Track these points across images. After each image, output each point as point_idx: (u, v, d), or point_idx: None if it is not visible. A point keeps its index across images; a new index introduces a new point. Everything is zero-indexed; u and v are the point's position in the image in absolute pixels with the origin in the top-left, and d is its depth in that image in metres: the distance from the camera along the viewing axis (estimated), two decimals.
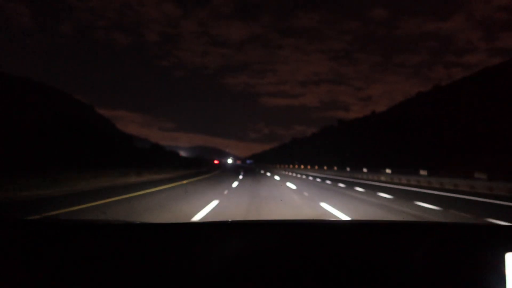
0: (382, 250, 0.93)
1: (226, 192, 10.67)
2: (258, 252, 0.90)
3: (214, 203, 7.25)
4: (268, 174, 30.72)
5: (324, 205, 7.67)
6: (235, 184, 14.83)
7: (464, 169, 25.06)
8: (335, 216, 5.99)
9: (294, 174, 32.72)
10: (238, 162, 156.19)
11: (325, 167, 46.90)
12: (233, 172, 33.67)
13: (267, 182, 17.57)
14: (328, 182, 19.75)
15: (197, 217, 5.46)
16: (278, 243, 0.95)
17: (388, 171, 26.05)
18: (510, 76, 45.28)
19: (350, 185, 16.99)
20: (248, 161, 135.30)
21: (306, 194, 11.04)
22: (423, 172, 21.24)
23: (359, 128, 79.38)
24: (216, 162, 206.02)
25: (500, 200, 10.33)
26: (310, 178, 24.78)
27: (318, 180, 21.81)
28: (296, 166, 64.84)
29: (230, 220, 1.14)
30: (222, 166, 66.52)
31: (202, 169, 42.16)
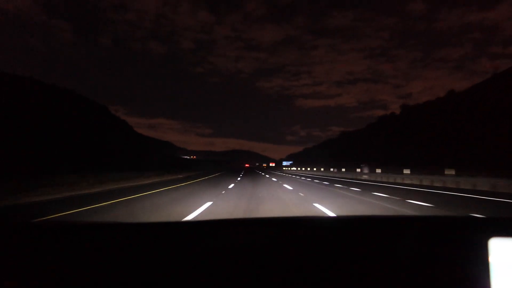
0: (365, 243, 0.98)
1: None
2: (250, 249, 0.96)
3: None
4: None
5: None
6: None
7: None
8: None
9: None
10: (272, 164, 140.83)
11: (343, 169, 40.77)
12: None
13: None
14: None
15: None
16: (269, 239, 1.02)
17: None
18: None
19: None
20: (285, 163, 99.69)
21: None
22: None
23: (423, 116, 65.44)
24: (246, 165, 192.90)
25: None
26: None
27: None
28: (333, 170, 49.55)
29: (224, 218, 1.26)
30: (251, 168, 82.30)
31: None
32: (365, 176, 32.12)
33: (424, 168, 26.89)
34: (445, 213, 7.29)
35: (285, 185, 17.86)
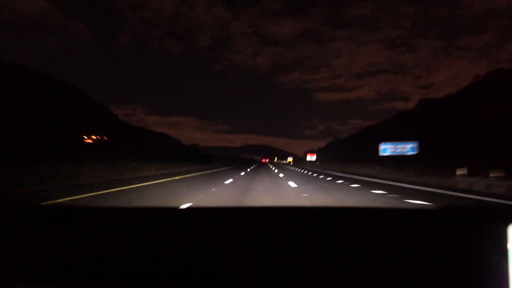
0: (377, 234, 0.99)
1: None
2: (246, 236, 0.98)
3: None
4: None
5: None
6: None
7: None
8: None
9: None
10: (312, 156, 71.65)
11: None
12: None
13: None
14: None
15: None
16: (266, 227, 1.03)
17: None
18: None
19: None
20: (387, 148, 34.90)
21: None
22: None
23: None
24: (263, 160, 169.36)
25: None
26: None
27: None
28: None
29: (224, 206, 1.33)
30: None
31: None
32: None
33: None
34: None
35: None
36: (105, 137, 38.37)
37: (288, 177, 18.47)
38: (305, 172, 28.31)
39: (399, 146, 26.28)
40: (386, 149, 27.31)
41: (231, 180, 14.39)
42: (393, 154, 26.31)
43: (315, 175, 22.03)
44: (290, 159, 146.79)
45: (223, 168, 33.71)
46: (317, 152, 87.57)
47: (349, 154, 69.01)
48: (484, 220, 0.97)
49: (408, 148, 25.74)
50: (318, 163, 67.12)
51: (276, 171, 27.65)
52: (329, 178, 18.24)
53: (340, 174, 24.17)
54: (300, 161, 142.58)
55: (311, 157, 69.77)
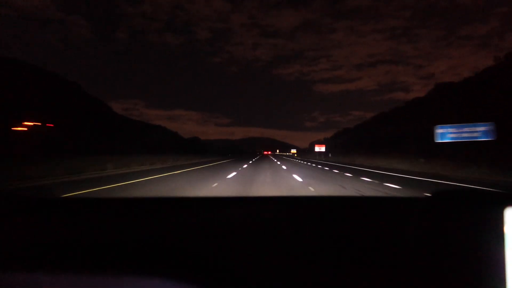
0: (374, 222, 1.04)
1: None
2: (250, 223, 1.04)
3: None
4: None
5: None
6: None
7: None
8: None
9: None
10: (321, 146, 66.91)
11: None
12: None
13: None
14: None
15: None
16: (267, 216, 1.09)
17: None
18: None
19: None
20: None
21: None
22: None
23: None
24: (265, 152, 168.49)
25: None
26: None
27: None
28: None
29: (230, 196, 1.38)
30: None
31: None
32: None
33: None
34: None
35: None
36: (48, 124, 30.84)
37: (308, 180, 11.42)
38: (325, 168, 21.22)
39: (466, 129, 18.06)
40: (446, 133, 19.11)
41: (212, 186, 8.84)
42: (458, 140, 18.33)
43: (348, 174, 14.95)
44: (294, 151, 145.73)
45: (215, 163, 27.19)
46: (325, 142, 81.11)
47: (364, 143, 62.82)
48: (481, 205, 0.93)
49: (479, 132, 17.77)
50: (330, 154, 60.27)
51: (284, 167, 20.54)
52: (367, 180, 11.14)
53: (380, 172, 17.13)
54: (303, 153, 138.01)
55: (319, 148, 64.12)
